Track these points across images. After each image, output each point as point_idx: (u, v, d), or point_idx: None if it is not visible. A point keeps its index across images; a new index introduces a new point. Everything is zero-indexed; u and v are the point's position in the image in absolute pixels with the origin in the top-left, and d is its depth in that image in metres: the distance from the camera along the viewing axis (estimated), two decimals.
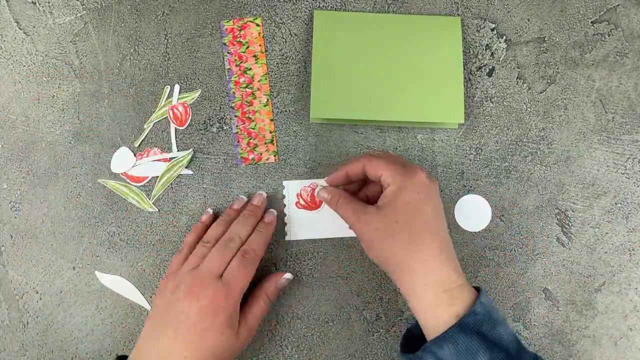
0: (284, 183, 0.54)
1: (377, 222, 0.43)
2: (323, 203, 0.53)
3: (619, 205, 0.54)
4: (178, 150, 0.54)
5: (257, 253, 0.47)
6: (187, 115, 0.54)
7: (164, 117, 0.55)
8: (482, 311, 0.39)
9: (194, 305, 0.42)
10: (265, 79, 0.55)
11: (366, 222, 0.44)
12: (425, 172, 0.44)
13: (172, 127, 0.54)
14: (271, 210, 0.52)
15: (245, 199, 0.53)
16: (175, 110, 0.54)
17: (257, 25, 0.56)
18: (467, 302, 0.40)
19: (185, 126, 0.54)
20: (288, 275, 0.50)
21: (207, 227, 0.50)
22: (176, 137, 0.54)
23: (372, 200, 0.48)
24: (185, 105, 0.54)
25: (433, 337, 0.40)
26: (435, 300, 0.40)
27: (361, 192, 0.49)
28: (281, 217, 0.53)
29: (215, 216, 0.52)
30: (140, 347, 0.44)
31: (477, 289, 0.42)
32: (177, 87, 0.54)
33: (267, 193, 0.53)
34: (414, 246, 0.41)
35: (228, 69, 0.55)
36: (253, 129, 0.55)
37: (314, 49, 0.54)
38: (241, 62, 0.55)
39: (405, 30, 0.54)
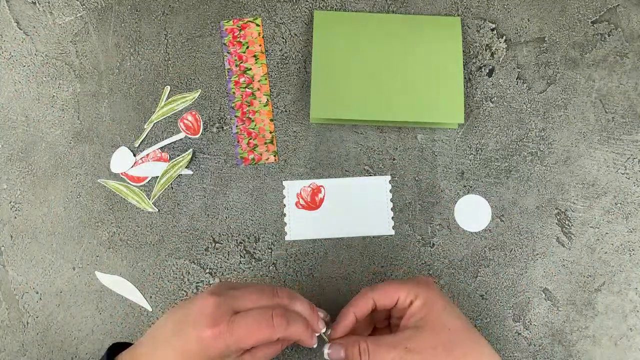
0: (284, 183, 0.54)
1: (430, 340, 0.38)
2: (323, 203, 0.54)
3: (619, 205, 0.54)
4: (178, 152, 0.54)
5: (284, 330, 0.38)
6: (199, 123, 0.54)
7: (164, 117, 0.55)
8: None
9: (199, 315, 0.39)
10: (265, 79, 0.55)
11: (419, 348, 0.38)
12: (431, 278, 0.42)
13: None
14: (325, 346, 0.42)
15: (324, 315, 0.44)
16: (185, 121, 0.54)
17: (257, 25, 0.56)
18: None
19: (200, 134, 0.54)
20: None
21: (280, 304, 0.41)
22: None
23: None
24: (193, 113, 0.54)
25: None
26: None
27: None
28: (281, 217, 0.53)
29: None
30: (148, 331, 0.42)
31: None
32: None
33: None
34: (477, 345, 0.40)
35: (228, 69, 0.55)
36: (253, 129, 0.55)
37: (314, 49, 0.54)
38: (241, 62, 0.55)
39: (405, 30, 0.54)
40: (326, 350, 0.41)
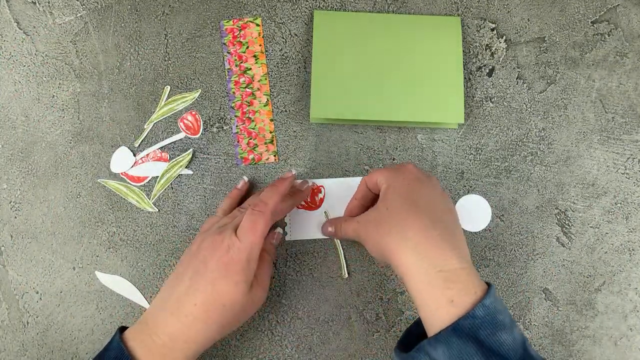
0: None
1: (371, 216, 0.45)
2: (324, 203, 0.54)
3: (619, 205, 0.54)
4: (178, 152, 0.54)
5: (267, 206, 0.45)
6: (198, 123, 0.54)
7: (164, 117, 0.55)
8: (482, 314, 0.37)
9: (212, 255, 0.43)
10: (265, 79, 0.55)
11: (364, 221, 0.46)
12: (416, 167, 0.46)
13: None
14: (307, 181, 0.54)
15: (294, 171, 0.53)
16: (185, 121, 0.54)
17: (257, 25, 0.56)
18: (469, 296, 0.38)
19: (200, 134, 0.54)
20: (279, 230, 0.52)
21: (241, 195, 0.52)
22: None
23: None
24: (193, 113, 0.54)
25: (430, 326, 0.39)
26: (428, 279, 0.39)
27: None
28: (284, 216, 0.54)
29: (250, 184, 0.54)
30: (158, 296, 0.44)
31: (489, 285, 0.40)
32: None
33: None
34: (401, 225, 0.42)
35: (228, 69, 0.55)
36: (253, 129, 0.55)
37: (314, 49, 0.54)
38: (241, 62, 0.55)
39: (405, 30, 0.54)
40: (322, 227, 0.53)
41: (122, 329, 0.43)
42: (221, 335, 0.43)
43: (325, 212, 0.53)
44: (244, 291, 0.43)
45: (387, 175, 0.45)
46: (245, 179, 0.53)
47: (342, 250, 0.53)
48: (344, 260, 0.53)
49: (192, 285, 0.42)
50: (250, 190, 0.54)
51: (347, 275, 0.53)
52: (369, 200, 0.50)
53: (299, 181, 0.53)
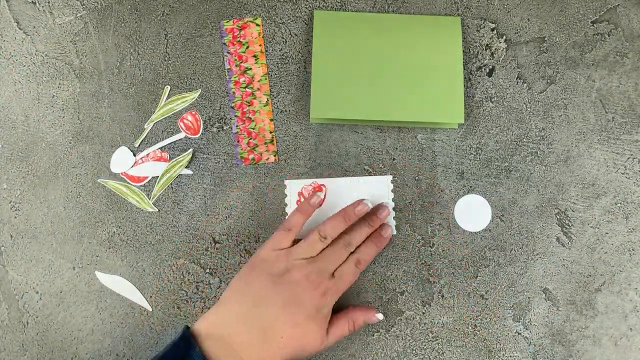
0: (286, 182, 0.54)
1: None
2: (324, 202, 0.54)
3: (619, 205, 0.54)
4: (178, 152, 0.54)
5: (367, 264, 0.50)
6: (198, 123, 0.54)
7: (164, 117, 0.55)
8: None
9: (308, 294, 0.45)
10: (265, 79, 0.55)
11: None
12: None
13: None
14: (390, 225, 0.53)
15: (370, 205, 0.51)
16: (185, 121, 0.54)
17: (257, 25, 0.56)
18: None
19: (200, 134, 0.54)
20: (380, 316, 0.51)
21: (313, 211, 0.51)
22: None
23: None
24: (193, 113, 0.54)
25: None
26: None
27: None
28: (281, 217, 0.53)
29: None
30: (231, 309, 0.45)
31: None
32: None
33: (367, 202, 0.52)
34: None
35: (228, 69, 0.55)
36: (253, 129, 0.55)
37: (314, 49, 0.54)
38: (241, 62, 0.55)
39: (405, 30, 0.54)
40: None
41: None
42: None
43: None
44: (322, 334, 0.46)
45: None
46: (321, 196, 0.52)
47: None
48: None
49: (284, 317, 0.44)
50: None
51: None
52: None
53: (381, 213, 0.52)
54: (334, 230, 0.49)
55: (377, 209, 0.52)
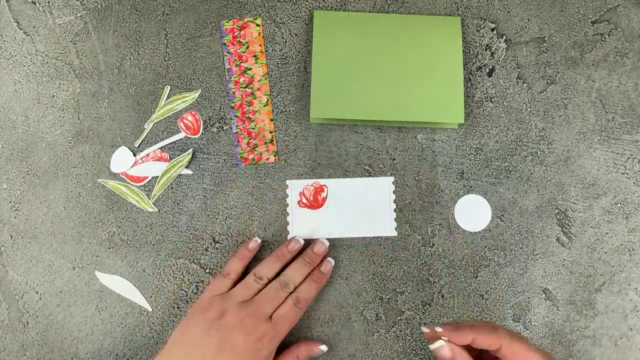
0: (287, 182, 0.54)
1: None
2: (325, 202, 0.54)
3: (619, 205, 0.54)
4: (178, 152, 0.54)
5: (308, 302, 0.49)
6: (198, 123, 0.54)
7: (164, 117, 0.55)
8: None
9: (242, 338, 0.44)
10: (265, 79, 0.55)
11: None
12: None
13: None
14: (330, 259, 0.52)
15: (302, 242, 0.52)
16: (185, 121, 0.54)
17: (257, 25, 0.56)
18: None
19: (200, 134, 0.54)
20: (323, 348, 0.51)
21: (252, 256, 0.52)
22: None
23: None
24: (193, 113, 0.54)
25: None
26: None
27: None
28: (281, 217, 0.53)
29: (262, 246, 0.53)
30: (168, 355, 0.44)
31: None
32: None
33: (299, 238, 0.52)
34: None
35: (228, 69, 0.55)
36: (253, 129, 0.55)
37: (314, 49, 0.54)
38: (241, 62, 0.55)
39: (405, 30, 0.54)
40: (437, 345, 0.42)
41: None
42: None
43: (441, 329, 0.42)
44: None
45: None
46: (258, 240, 0.52)
47: None
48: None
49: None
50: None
51: None
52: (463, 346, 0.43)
53: (318, 249, 0.52)
54: (269, 270, 0.49)
55: (314, 245, 0.52)
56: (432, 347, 0.42)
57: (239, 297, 0.47)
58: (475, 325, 0.41)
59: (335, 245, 0.53)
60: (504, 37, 0.56)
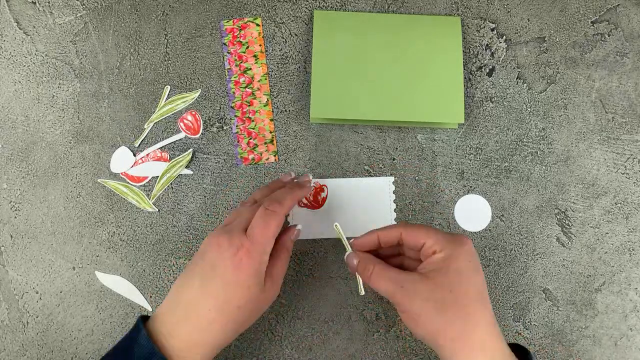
0: None
1: (427, 292, 0.38)
2: (326, 202, 0.54)
3: (619, 205, 0.54)
4: (178, 152, 0.54)
5: (282, 207, 0.44)
6: (198, 123, 0.54)
7: (164, 117, 0.55)
8: None
9: (219, 258, 0.41)
10: (265, 79, 0.55)
11: (413, 293, 0.39)
12: (471, 241, 0.41)
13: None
14: (308, 180, 0.51)
15: (294, 174, 0.52)
16: (185, 121, 0.54)
17: (257, 25, 0.56)
18: None
19: (200, 134, 0.54)
20: (299, 226, 0.48)
21: (281, 187, 0.49)
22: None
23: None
24: (193, 113, 0.54)
25: None
26: None
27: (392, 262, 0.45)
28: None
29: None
30: (168, 298, 0.43)
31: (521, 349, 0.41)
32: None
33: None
34: (470, 319, 0.38)
35: (228, 69, 0.55)
36: (253, 129, 0.55)
37: (314, 49, 0.54)
38: (241, 62, 0.55)
39: (405, 30, 0.54)
40: (346, 254, 0.45)
41: (144, 318, 0.43)
42: (238, 333, 0.43)
43: (336, 225, 0.47)
44: (257, 292, 0.42)
45: (444, 242, 0.40)
46: (293, 174, 0.52)
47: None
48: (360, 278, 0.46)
49: (202, 292, 0.41)
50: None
51: (363, 293, 0.45)
52: (390, 247, 0.45)
53: (302, 176, 0.52)
54: (256, 193, 0.49)
55: (300, 177, 0.52)
56: (345, 258, 0.45)
57: (224, 224, 0.45)
58: (381, 228, 0.44)
59: (335, 245, 0.53)
60: (504, 37, 0.56)
